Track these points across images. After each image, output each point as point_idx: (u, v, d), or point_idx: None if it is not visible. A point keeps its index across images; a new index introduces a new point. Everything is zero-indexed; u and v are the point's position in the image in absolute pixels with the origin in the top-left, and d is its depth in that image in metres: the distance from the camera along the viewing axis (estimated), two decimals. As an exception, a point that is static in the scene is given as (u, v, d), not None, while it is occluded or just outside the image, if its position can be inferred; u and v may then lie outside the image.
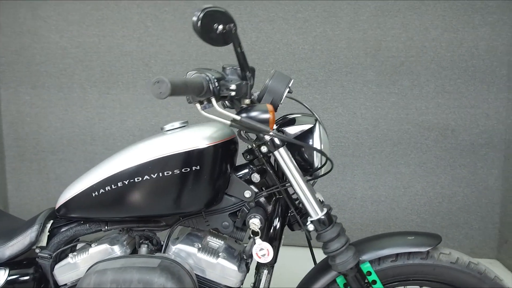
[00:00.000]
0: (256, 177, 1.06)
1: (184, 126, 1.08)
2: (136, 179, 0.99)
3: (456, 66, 2.37)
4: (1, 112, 2.78)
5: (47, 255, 1.10)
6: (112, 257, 1.04)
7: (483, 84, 2.36)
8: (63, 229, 1.13)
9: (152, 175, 0.99)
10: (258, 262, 1.05)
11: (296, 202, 1.09)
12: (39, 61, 2.70)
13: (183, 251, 1.04)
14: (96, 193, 1.03)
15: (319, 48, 2.47)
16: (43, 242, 1.09)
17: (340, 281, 1.04)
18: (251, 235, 1.02)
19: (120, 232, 1.11)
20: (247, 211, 1.05)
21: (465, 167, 2.42)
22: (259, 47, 2.51)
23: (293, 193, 1.05)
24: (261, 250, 1.00)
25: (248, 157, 1.09)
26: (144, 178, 0.99)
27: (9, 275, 1.05)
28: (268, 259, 1.01)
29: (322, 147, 1.04)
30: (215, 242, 1.09)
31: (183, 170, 0.98)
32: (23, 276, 1.06)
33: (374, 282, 1.00)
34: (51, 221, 1.14)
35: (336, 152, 2.51)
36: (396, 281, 1.03)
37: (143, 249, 1.09)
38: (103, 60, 2.65)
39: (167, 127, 1.08)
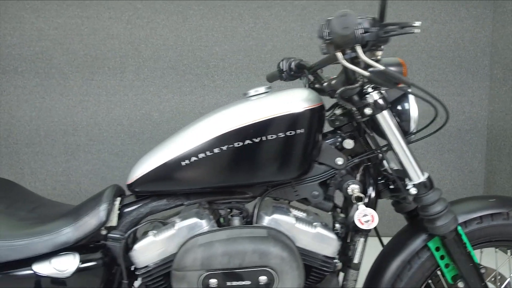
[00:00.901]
0: (349, 143, 1.03)
1: (268, 91, 1.04)
2: (236, 143, 0.94)
3: (444, 56, 2.51)
4: (-36, 100, 2.46)
5: (118, 236, 0.99)
6: (210, 230, 0.96)
7: (468, 73, 2.52)
8: (134, 207, 1.02)
9: (254, 139, 0.94)
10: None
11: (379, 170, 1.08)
12: (10, 43, 2.42)
13: (280, 222, 0.99)
14: (187, 161, 0.95)
15: (316, 35, 2.47)
16: (113, 221, 0.98)
17: (432, 245, 1.05)
18: (354, 201, 0.99)
19: (200, 206, 1.03)
20: (340, 179, 1.02)
21: (453, 152, 2.57)
22: (257, 33, 2.46)
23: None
24: (365, 216, 0.98)
25: (337, 123, 1.05)
26: (245, 143, 0.94)
27: (80, 261, 0.92)
28: (372, 225, 0.99)
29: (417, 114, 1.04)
30: (300, 213, 1.05)
31: (287, 133, 0.94)
32: (94, 261, 0.94)
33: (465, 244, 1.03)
34: (119, 199, 1.03)
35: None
36: (481, 243, 1.07)
37: (236, 221, 1.03)
38: (86, 43, 2.44)
39: (251, 92, 1.05)
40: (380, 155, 1.05)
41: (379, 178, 1.07)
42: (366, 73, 0.89)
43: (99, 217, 0.95)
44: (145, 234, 1.01)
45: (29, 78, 2.45)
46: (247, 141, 0.94)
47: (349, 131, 1.06)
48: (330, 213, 1.10)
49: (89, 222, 0.94)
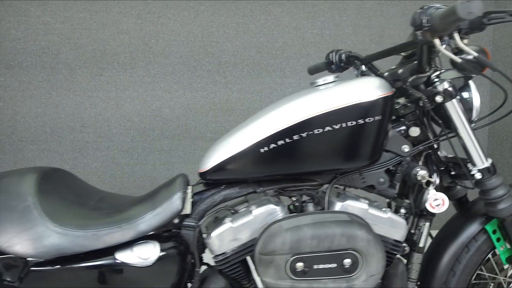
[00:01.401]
0: (415, 131, 1.05)
1: (336, 81, 1.06)
2: (316, 130, 0.95)
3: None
4: (-36, 96, 2.36)
5: (193, 224, 0.99)
6: (291, 215, 0.98)
7: (470, 71, 2.61)
8: (206, 194, 1.03)
9: (334, 125, 0.96)
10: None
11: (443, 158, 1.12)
12: (15, 37, 2.35)
13: (353, 208, 1.01)
14: (266, 148, 0.96)
15: (327, 33, 2.51)
16: (187, 210, 0.97)
17: (490, 228, 1.09)
18: (425, 187, 1.02)
19: (268, 193, 1.04)
20: (407, 166, 1.05)
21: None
22: (268, 30, 2.47)
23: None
24: (436, 201, 1.01)
25: (402, 111, 1.08)
26: (325, 130, 0.95)
27: (160, 249, 0.91)
28: (443, 209, 1.02)
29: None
30: (366, 200, 1.07)
31: (366, 120, 0.96)
32: (172, 250, 0.94)
33: None
34: (190, 187, 1.03)
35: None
36: None
37: (310, 208, 1.04)
38: (94, 38, 2.39)
39: (320, 81, 1.06)
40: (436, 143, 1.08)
41: (439, 164, 1.11)
42: (459, 60, 0.92)
43: (176, 205, 0.94)
44: (216, 222, 1.01)
45: (35, 73, 2.38)
46: (327, 128, 0.96)
47: (413, 119, 1.08)
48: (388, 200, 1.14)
49: (166, 210, 0.93)
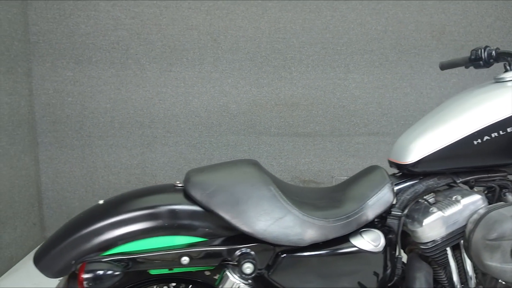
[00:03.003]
0: None
1: None
2: None
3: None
4: (33, 91, 2.35)
5: (399, 213, 1.03)
6: (505, 204, 1.02)
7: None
8: (407, 184, 1.08)
9: None
10: None
11: None
12: (84, 32, 2.34)
13: None
14: (479, 140, 1.01)
15: (390, 29, 2.55)
16: (393, 200, 1.02)
17: None
18: None
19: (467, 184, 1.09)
20: None
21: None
22: (334, 26, 2.50)
23: None
24: None
25: None
26: None
27: (384, 238, 0.97)
28: None
29: None
30: None
31: None
32: (389, 237, 0.99)
33: None
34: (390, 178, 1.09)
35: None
36: None
37: (510, 197, 1.09)
38: (164, 34, 2.39)
39: (508, 76, 1.11)
40: None
41: None
42: None
43: (388, 196, 1.00)
44: (418, 212, 1.07)
45: (104, 68, 2.38)
46: None
47: None
48: None
49: (380, 201, 0.99)
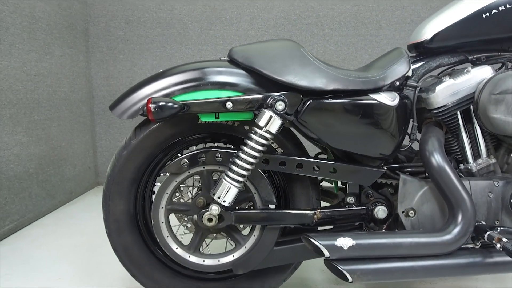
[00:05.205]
0: None
1: None
2: None
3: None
4: (89, 49, 2.63)
5: (414, 84, 1.15)
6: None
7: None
8: (423, 61, 1.19)
9: None
10: None
11: None
12: (134, -5, 2.58)
13: None
14: (488, 14, 1.11)
15: (421, -14, 2.61)
16: (409, 72, 1.14)
17: None
18: None
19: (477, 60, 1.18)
20: None
21: None
22: None
23: None
24: None
25: None
26: None
27: (399, 97, 1.10)
28: None
29: None
30: None
31: None
32: (404, 99, 1.12)
33: None
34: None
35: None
36: None
37: None
38: (204, -5, 2.59)
39: None
40: None
41: None
42: None
43: (405, 66, 1.12)
44: (432, 83, 1.18)
45: (151, 27, 2.62)
46: None
47: None
48: None
49: (397, 69, 1.11)
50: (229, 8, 2.61)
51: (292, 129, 1.19)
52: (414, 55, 1.24)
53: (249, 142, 1.04)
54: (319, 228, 1.20)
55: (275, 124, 1.03)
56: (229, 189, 1.04)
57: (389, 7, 2.63)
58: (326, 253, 1.00)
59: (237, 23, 2.62)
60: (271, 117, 1.02)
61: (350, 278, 1.00)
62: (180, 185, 1.16)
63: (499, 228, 1.02)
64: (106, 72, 2.65)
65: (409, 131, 1.16)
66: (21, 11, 1.93)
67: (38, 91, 2.08)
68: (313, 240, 1.01)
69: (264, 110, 1.03)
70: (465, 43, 1.16)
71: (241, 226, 1.21)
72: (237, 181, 1.04)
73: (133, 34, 2.63)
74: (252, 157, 1.04)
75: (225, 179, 1.04)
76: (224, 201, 1.04)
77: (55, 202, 2.25)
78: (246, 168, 1.04)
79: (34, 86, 2.04)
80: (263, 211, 1.11)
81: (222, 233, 1.18)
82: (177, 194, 1.21)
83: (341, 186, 1.29)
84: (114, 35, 2.63)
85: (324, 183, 1.37)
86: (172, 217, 1.18)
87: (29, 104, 2.00)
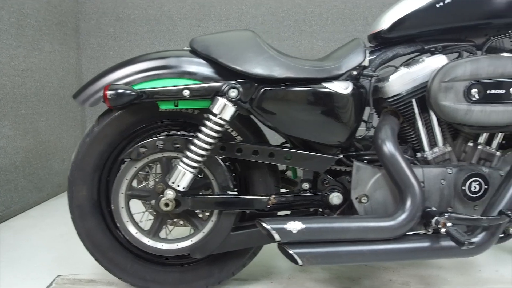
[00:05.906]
0: None
1: None
2: None
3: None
4: (80, 45, 2.68)
5: (370, 73, 1.16)
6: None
7: None
8: (379, 51, 1.20)
9: None
10: None
11: None
12: (124, -8, 2.63)
13: None
14: (441, 3, 1.12)
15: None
16: (366, 62, 1.15)
17: None
18: None
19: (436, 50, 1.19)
20: None
21: None
22: None
23: None
24: None
25: None
26: None
27: (352, 86, 1.12)
28: None
29: None
30: None
31: None
32: (359, 88, 1.13)
33: None
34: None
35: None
36: None
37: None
38: (193, -8, 2.63)
39: None
40: None
41: None
42: None
43: (361, 56, 1.13)
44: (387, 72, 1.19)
45: (141, 24, 2.67)
46: None
47: None
48: None
49: (353, 59, 1.12)
50: (218, 5, 2.64)
51: (253, 117, 1.21)
52: (374, 45, 1.25)
53: (203, 128, 1.06)
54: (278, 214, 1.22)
55: (229, 111, 1.05)
56: (184, 175, 1.07)
57: (376, 3, 2.63)
58: (277, 237, 1.02)
59: (225, 20, 2.65)
60: (225, 104, 1.05)
61: (300, 261, 1.02)
62: (141, 172, 1.19)
63: (447, 214, 1.03)
64: (97, 69, 2.70)
65: (367, 119, 1.18)
66: (9, 7, 1.98)
67: (26, 86, 2.13)
68: (264, 224, 1.03)
69: (218, 97, 1.05)
70: (421, 32, 1.17)
71: (200, 212, 1.24)
72: (192, 167, 1.07)
73: (123, 31, 2.67)
74: (206, 143, 1.06)
75: (179, 165, 1.07)
76: (179, 186, 1.07)
77: (43, 195, 2.30)
78: (200, 154, 1.06)
79: (22, 81, 2.10)
80: (218, 196, 1.14)
81: (181, 219, 1.21)
82: (144, 182, 1.24)
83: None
84: (105, 32, 2.68)
85: (289, 172, 1.39)
86: (140, 204, 1.22)
87: (16, 99, 2.05)
